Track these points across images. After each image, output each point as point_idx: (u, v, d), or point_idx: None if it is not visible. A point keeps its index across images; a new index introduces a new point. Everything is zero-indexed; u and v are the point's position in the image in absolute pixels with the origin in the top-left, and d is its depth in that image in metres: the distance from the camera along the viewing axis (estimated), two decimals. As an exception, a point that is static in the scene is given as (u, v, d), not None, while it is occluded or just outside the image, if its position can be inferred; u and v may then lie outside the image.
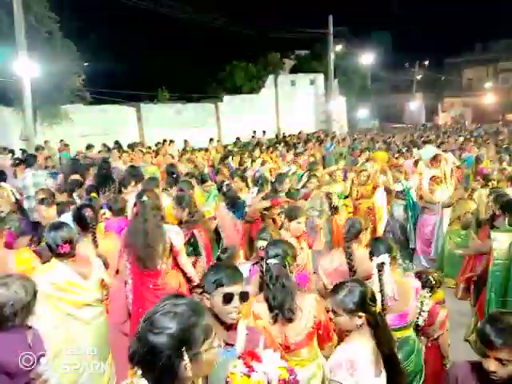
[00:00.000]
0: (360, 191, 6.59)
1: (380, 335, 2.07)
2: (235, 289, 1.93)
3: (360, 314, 2.04)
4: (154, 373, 1.27)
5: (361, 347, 2.04)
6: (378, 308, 2.47)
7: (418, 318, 3.08)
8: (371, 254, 2.83)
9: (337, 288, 2.14)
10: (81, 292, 2.73)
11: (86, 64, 16.72)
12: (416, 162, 7.94)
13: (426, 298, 3.14)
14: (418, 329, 3.10)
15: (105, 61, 19.75)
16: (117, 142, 12.22)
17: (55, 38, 14.02)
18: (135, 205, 3.68)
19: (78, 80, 15.07)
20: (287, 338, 2.37)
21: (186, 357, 1.28)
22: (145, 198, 3.57)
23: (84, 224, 3.36)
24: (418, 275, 3.40)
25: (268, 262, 2.44)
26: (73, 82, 14.88)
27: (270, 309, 2.36)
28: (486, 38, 36.52)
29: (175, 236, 3.54)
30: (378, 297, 2.52)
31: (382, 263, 2.67)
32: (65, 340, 2.63)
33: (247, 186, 5.77)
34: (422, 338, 3.18)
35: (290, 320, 2.35)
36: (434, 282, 3.29)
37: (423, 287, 3.16)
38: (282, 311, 2.33)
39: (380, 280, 2.63)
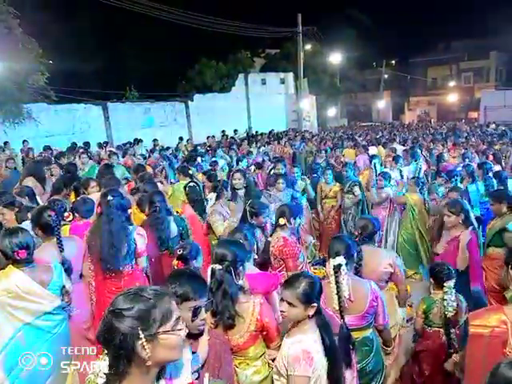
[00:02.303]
0: (325, 191, 6.62)
1: (323, 323, 2.15)
2: (201, 302, 1.89)
3: (314, 304, 2.11)
4: (113, 351, 1.30)
5: (312, 336, 2.11)
6: (335, 309, 2.47)
7: (448, 309, 3.00)
8: (328, 255, 2.65)
9: (294, 281, 2.15)
10: (39, 300, 2.62)
11: (50, 62, 16.14)
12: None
13: (451, 289, 3.03)
14: (448, 322, 3.01)
15: (70, 59, 19.18)
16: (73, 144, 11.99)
17: (15, 34, 13.43)
18: (99, 205, 3.59)
19: (42, 78, 14.48)
20: (230, 340, 2.35)
21: (142, 336, 1.29)
22: (110, 197, 3.50)
23: (46, 228, 3.23)
24: (433, 268, 3.23)
25: (212, 266, 2.35)
26: (36, 81, 14.32)
27: (212, 313, 2.31)
28: (449, 38, 37.67)
29: (139, 237, 3.50)
30: (335, 299, 2.48)
31: (339, 265, 2.50)
32: (22, 349, 2.51)
33: (216, 186, 5.62)
34: (453, 330, 3.03)
35: (231, 326, 2.32)
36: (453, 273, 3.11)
37: (448, 279, 3.05)
38: (222, 318, 2.30)
39: (337, 282, 2.49)
